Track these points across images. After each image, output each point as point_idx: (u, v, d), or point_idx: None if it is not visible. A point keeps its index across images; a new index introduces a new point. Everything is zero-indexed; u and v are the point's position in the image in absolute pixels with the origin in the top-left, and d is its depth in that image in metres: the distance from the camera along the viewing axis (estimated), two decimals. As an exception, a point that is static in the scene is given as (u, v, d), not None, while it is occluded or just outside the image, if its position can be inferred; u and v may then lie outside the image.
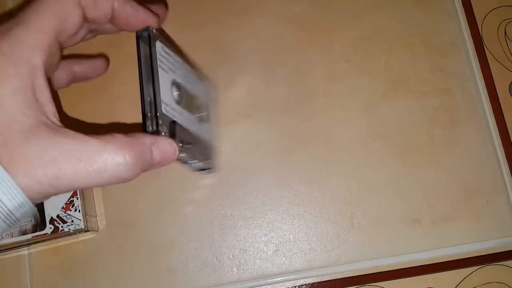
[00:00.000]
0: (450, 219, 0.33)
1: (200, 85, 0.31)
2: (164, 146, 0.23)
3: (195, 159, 0.28)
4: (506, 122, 0.35)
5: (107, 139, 0.21)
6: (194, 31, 0.37)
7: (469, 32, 0.36)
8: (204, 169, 0.31)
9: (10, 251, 0.33)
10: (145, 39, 0.24)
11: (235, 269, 0.33)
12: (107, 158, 0.21)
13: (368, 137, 0.35)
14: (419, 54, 0.36)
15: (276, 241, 0.33)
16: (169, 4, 0.38)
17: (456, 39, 0.36)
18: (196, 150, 0.28)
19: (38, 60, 0.20)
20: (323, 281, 0.33)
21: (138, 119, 0.24)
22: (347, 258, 0.33)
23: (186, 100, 0.28)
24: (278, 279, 0.33)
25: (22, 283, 0.33)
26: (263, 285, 0.33)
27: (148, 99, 0.24)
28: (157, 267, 0.33)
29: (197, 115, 0.30)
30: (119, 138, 0.21)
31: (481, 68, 0.35)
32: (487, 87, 0.35)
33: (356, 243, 0.33)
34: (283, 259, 0.33)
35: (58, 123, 0.21)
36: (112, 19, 0.24)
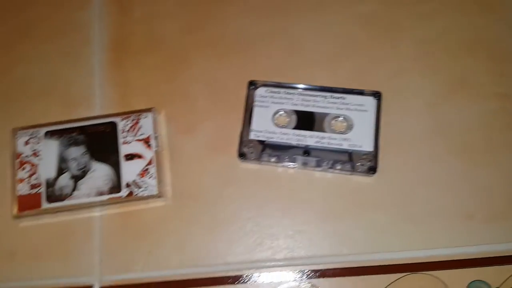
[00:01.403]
0: (503, 217, 0.34)
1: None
2: None
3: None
4: None
5: None
6: (267, 23, 0.40)
7: (532, 41, 0.38)
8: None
9: (84, 211, 0.35)
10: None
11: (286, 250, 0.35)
12: None
13: (429, 133, 0.36)
14: (481, 59, 0.38)
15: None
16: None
17: (518, 47, 0.38)
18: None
19: None
20: (376, 266, 0.34)
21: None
22: (401, 246, 0.34)
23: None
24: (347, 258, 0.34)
25: (93, 242, 0.36)
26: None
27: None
28: (218, 239, 0.35)
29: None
30: None
31: (541, 74, 0.37)
32: (546, 94, 0.37)
33: (411, 232, 0.34)
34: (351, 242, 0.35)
35: None
36: None
